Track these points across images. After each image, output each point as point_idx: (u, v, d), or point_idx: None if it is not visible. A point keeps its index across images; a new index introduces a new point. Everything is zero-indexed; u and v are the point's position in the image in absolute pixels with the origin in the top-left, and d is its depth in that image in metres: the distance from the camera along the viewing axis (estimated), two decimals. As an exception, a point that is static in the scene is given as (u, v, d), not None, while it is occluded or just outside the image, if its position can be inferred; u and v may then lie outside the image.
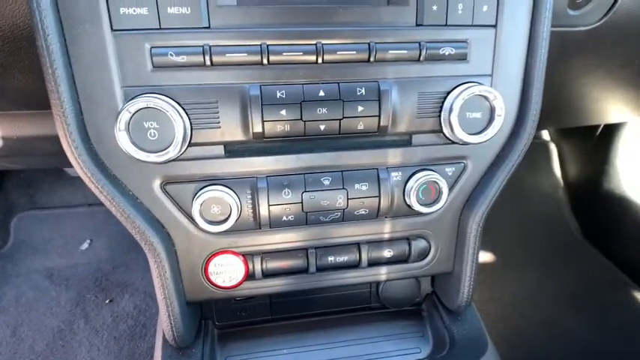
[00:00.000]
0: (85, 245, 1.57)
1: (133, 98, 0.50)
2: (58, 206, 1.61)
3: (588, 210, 1.62)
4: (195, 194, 0.56)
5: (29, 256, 1.53)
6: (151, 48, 0.50)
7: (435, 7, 0.55)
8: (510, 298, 1.38)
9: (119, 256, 1.53)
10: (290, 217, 0.58)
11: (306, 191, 0.57)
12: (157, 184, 0.56)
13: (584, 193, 1.63)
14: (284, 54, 0.53)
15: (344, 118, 0.55)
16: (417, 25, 0.55)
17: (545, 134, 1.78)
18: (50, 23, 0.47)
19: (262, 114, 0.53)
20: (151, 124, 0.51)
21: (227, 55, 0.51)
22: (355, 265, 0.65)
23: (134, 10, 0.49)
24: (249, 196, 0.57)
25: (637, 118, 1.13)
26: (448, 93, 0.58)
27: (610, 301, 1.35)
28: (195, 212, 0.55)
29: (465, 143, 0.59)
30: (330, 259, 0.63)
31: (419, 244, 0.66)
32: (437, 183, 0.60)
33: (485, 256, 1.51)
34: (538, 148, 1.75)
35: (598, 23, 0.68)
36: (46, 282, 1.45)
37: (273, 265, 0.63)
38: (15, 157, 1.00)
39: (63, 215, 1.59)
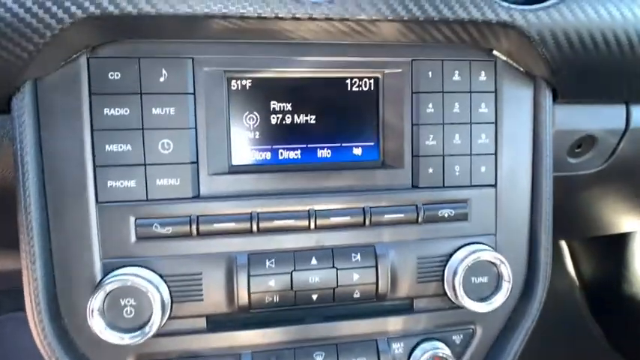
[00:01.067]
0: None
1: (111, 270, 0.47)
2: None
3: (611, 315, 1.50)
4: None
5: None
6: (136, 219, 0.48)
7: (430, 170, 0.54)
8: None
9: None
10: None
11: None
12: None
13: (604, 295, 1.52)
14: (275, 221, 0.50)
15: (338, 287, 0.51)
16: (413, 187, 0.54)
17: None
18: (34, 200, 0.46)
19: (249, 286, 0.49)
20: (128, 302, 0.47)
21: (215, 224, 0.49)
22: None
23: (121, 183, 0.48)
24: None
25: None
26: (450, 255, 0.54)
27: None
28: None
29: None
30: None
31: None
32: (444, 358, 0.53)
33: None
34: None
35: (600, 167, 0.67)
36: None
37: None
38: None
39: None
